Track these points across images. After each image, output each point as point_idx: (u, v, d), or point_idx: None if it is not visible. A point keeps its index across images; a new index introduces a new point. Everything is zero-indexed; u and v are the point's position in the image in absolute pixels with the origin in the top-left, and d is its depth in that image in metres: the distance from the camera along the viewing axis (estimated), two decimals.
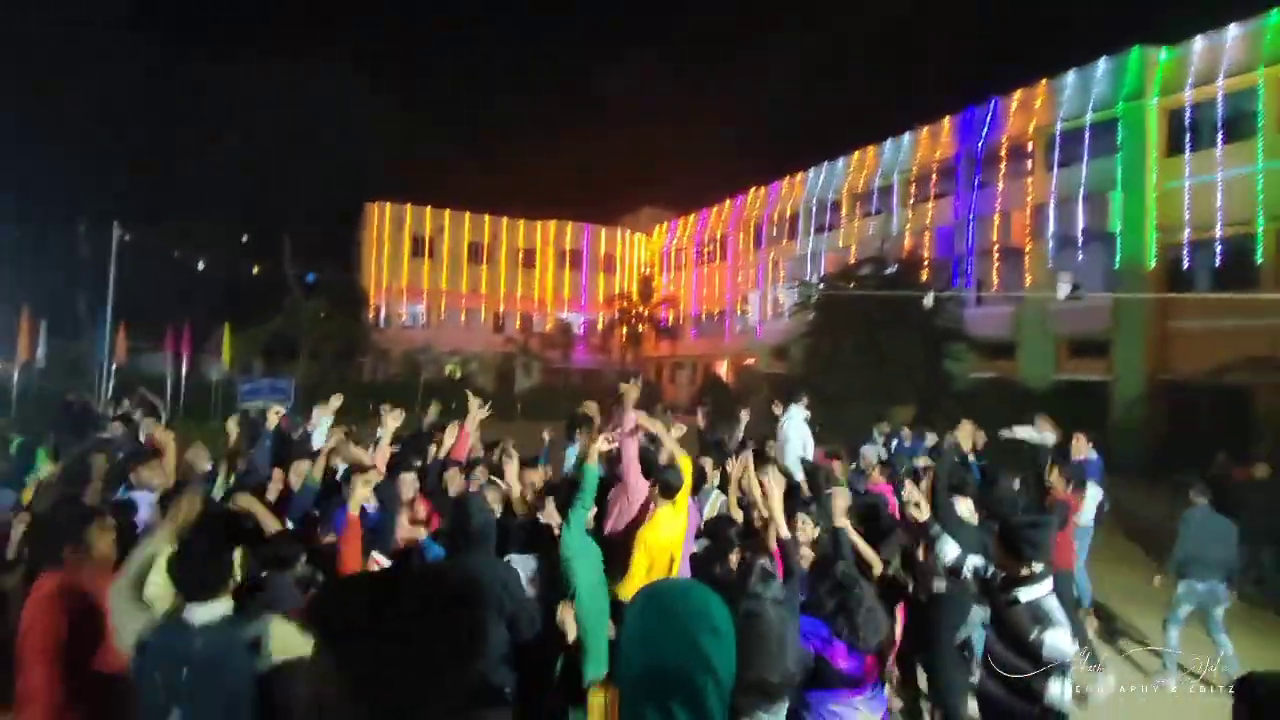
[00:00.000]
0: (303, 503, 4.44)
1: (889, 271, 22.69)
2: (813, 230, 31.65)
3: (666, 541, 3.73)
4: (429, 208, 38.35)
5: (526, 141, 57.01)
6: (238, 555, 2.97)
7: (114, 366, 20.69)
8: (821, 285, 23.93)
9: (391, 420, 4.98)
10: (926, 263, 24.33)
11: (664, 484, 3.88)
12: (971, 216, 24.31)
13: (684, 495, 4.03)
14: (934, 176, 26.17)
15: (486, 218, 39.78)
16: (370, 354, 33.76)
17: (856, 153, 30.01)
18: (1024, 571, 3.06)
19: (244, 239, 28.40)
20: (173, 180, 30.90)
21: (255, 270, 27.13)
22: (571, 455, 6.20)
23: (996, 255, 23.24)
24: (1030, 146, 22.59)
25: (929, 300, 22.18)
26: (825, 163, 31.59)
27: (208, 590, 2.19)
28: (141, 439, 6.80)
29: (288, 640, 2.17)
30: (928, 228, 26.03)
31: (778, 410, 8.72)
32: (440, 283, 38.63)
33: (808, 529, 4.04)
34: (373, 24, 71.59)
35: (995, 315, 22.88)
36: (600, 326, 40.76)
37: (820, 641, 2.80)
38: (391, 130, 34.89)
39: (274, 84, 33.02)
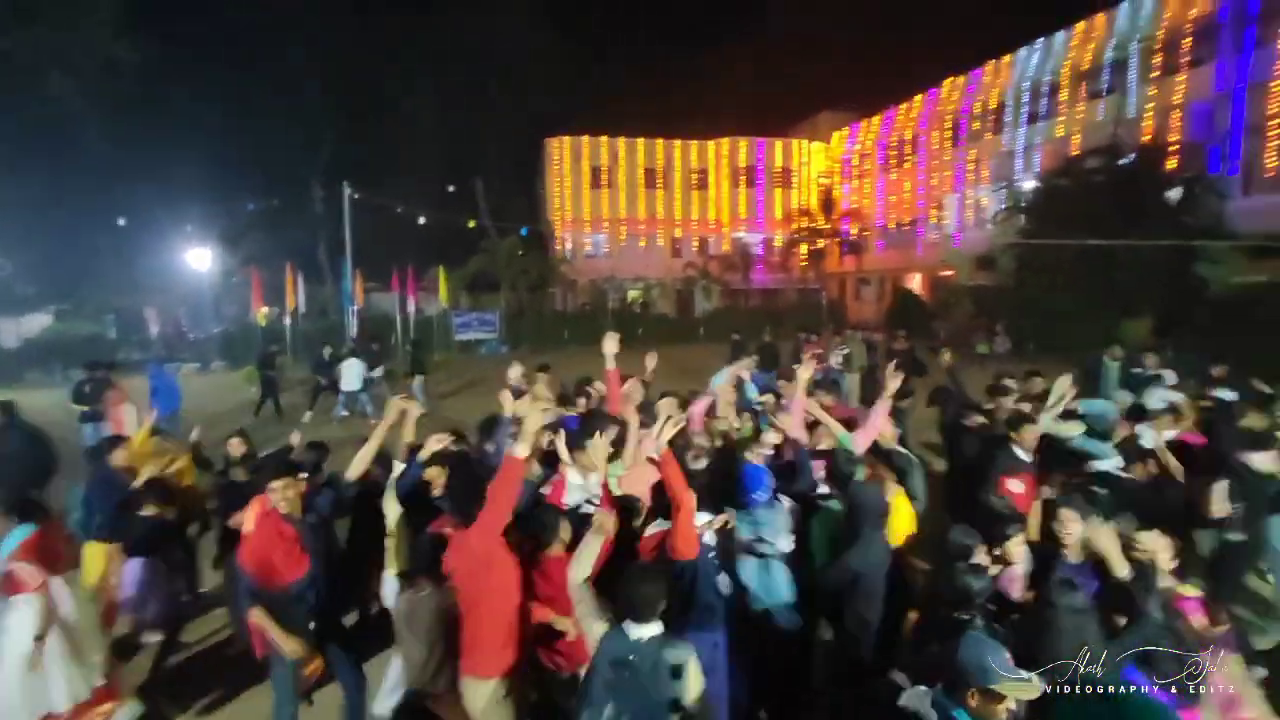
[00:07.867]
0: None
1: (1123, 162, 19.60)
2: (1024, 120, 27.93)
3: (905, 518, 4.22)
4: (604, 138, 38.89)
5: (692, 60, 55.11)
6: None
7: (354, 307, 24.00)
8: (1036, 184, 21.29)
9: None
10: (1175, 148, 20.60)
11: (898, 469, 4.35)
12: (1240, 86, 20.05)
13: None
14: (1186, 41, 21.75)
15: (659, 142, 39.58)
16: (559, 285, 35.73)
17: (1080, 23, 25.64)
18: None
19: (450, 190, 30.93)
20: (380, 140, 33.92)
21: (471, 225, 29.67)
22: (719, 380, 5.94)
23: (1277, 132, 19.11)
24: None
25: (1175, 193, 18.96)
26: (1040, 39, 27.39)
27: (642, 615, 2.53)
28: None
29: (698, 679, 2.47)
30: (1176, 106, 21.91)
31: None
32: (619, 211, 39.50)
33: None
34: None
35: (1271, 206, 19.04)
36: (779, 244, 39.61)
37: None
38: (560, 66, 35.28)
39: (449, 40, 34.45)
